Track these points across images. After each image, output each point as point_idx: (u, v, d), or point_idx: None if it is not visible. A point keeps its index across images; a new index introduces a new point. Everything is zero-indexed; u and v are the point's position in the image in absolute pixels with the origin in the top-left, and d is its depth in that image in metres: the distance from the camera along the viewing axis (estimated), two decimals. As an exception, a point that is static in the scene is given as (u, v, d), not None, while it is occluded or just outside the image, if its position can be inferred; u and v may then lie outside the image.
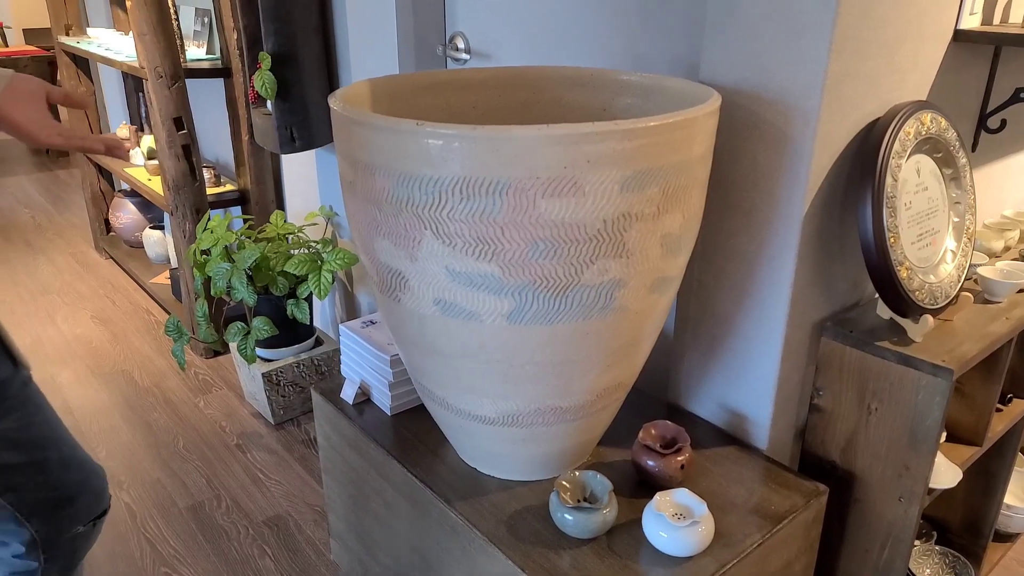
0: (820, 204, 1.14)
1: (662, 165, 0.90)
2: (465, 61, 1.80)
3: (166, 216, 3.03)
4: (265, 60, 1.96)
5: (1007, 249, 1.47)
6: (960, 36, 1.24)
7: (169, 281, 3.02)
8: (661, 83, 1.18)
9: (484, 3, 1.70)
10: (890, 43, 1.12)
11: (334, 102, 0.98)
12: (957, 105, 1.36)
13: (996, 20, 1.35)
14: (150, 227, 3.22)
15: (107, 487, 1.15)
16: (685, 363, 1.35)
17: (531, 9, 1.57)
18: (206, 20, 2.68)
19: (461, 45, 1.81)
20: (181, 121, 2.34)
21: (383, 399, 1.37)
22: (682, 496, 1.04)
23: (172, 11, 2.31)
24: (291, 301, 2.08)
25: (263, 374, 2.15)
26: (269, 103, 2.07)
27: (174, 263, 2.87)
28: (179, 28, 2.38)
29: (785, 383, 1.23)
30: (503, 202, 0.86)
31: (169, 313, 2.87)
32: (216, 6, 2.41)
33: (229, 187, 2.76)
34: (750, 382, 1.25)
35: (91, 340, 2.72)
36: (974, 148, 1.45)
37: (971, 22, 1.25)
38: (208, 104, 2.93)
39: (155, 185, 2.70)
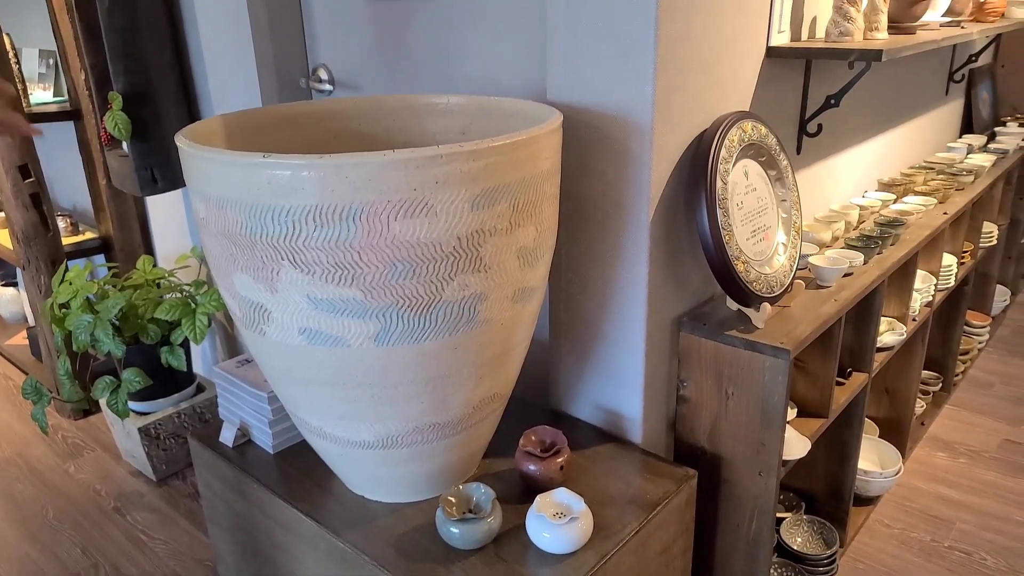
0: (664, 210, 1.23)
1: (509, 182, 0.96)
2: (330, 92, 1.81)
3: (18, 271, 2.81)
4: (116, 100, 1.89)
5: (835, 239, 1.64)
6: (772, 52, 1.38)
7: (27, 341, 2.81)
8: (515, 106, 1.24)
9: (345, 35, 1.72)
10: (709, 61, 1.23)
11: (180, 140, 0.97)
12: (779, 113, 1.51)
13: (804, 35, 1.52)
14: (1, 285, 2.99)
15: None
16: (561, 369, 1.41)
17: (392, 40, 1.61)
18: (51, 61, 2.54)
19: (324, 76, 1.82)
20: (28, 168, 2.20)
21: (264, 438, 1.34)
22: (561, 495, 1.09)
23: (12, 54, 2.18)
24: (165, 348, 1.99)
25: (140, 428, 2.04)
26: (125, 144, 1.99)
27: (31, 321, 2.67)
28: (20, 71, 2.25)
29: (652, 378, 1.31)
30: (357, 227, 0.89)
31: (28, 375, 2.66)
32: (60, 46, 2.30)
33: (89, 235, 2.61)
34: (620, 381, 1.32)
35: (-62, 414, 2.47)
36: (799, 151, 1.62)
37: (780, 39, 1.40)
38: (59, 149, 2.77)
39: (3, 239, 2.51)
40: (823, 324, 1.30)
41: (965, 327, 2.53)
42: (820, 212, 1.76)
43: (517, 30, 1.38)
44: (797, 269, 1.38)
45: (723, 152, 1.20)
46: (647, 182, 1.19)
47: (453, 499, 1.09)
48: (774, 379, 1.20)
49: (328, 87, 1.81)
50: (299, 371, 1.02)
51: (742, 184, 1.28)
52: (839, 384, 1.53)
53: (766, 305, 1.26)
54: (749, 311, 1.28)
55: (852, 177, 1.93)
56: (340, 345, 0.96)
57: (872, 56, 1.28)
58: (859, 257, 1.49)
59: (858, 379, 1.57)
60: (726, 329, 1.27)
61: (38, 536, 1.91)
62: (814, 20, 1.53)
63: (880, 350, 1.66)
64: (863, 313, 1.54)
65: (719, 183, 1.19)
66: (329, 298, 0.93)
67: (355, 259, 0.90)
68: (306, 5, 1.78)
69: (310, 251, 0.90)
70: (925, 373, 2.28)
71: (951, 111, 2.57)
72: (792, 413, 1.45)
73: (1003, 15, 2.14)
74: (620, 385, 1.32)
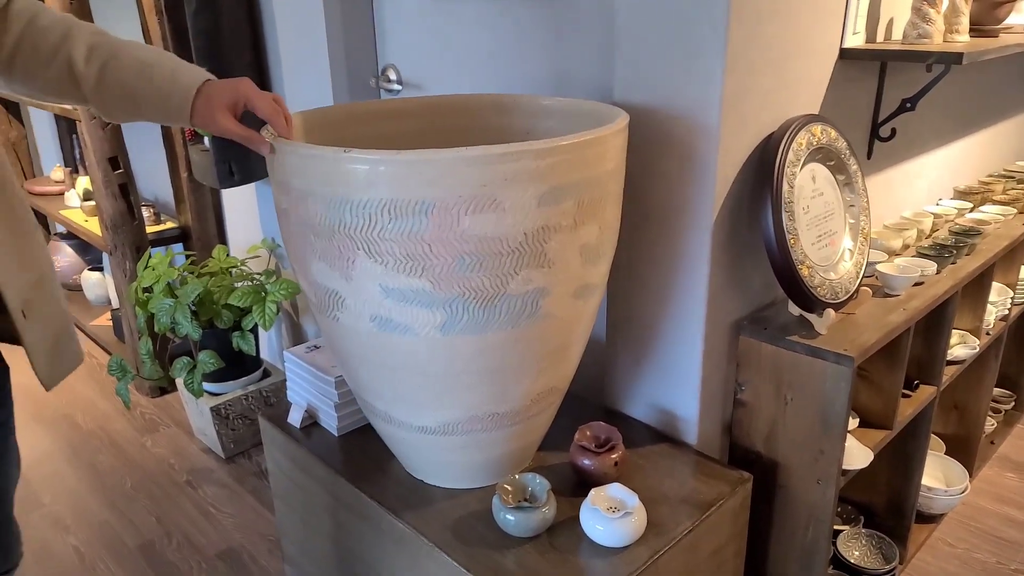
0: (728, 212, 1.23)
1: (575, 181, 0.98)
2: (398, 91, 1.87)
3: (105, 257, 2.99)
4: (201, 97, 1.99)
5: (906, 247, 1.60)
6: (845, 54, 1.36)
7: (111, 323, 2.98)
8: (579, 106, 1.26)
9: (414, 36, 1.78)
10: (779, 61, 1.23)
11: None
12: (850, 116, 1.49)
13: (881, 37, 1.49)
14: (88, 269, 3.18)
15: (19, 545, 1.08)
16: (617, 368, 1.42)
17: (460, 40, 1.66)
18: (141, 60, 2.69)
19: (393, 76, 1.87)
20: (117, 161, 2.34)
21: (330, 421, 1.40)
22: (615, 490, 1.10)
23: (105, 52, 2.32)
24: (236, 334, 2.10)
25: (211, 408, 2.15)
26: (206, 139, 2.09)
27: (115, 303, 2.83)
28: (113, 69, 2.39)
29: (709, 381, 1.31)
30: (429, 221, 0.93)
31: (111, 355, 2.83)
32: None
33: (170, 224, 2.76)
34: (676, 382, 1.33)
35: (30, 387, 2.65)
36: (869, 156, 1.59)
37: (855, 41, 1.38)
38: (145, 143, 2.93)
39: (92, 226, 2.68)
40: (889, 333, 1.28)
41: (1044, 344, 2.41)
42: (891, 219, 1.72)
43: (584, 30, 1.40)
44: (864, 276, 1.36)
45: (790, 155, 1.20)
46: (712, 184, 1.19)
47: (509, 487, 1.12)
48: (836, 386, 1.19)
49: (397, 87, 1.87)
50: (369, 356, 1.07)
51: (809, 188, 1.27)
52: (905, 396, 1.49)
53: (829, 311, 1.25)
54: (812, 317, 1.26)
55: (926, 184, 1.88)
56: (408, 333, 1.01)
57: (952, 59, 1.25)
58: (931, 266, 1.46)
59: (925, 392, 1.53)
60: (788, 334, 1.26)
61: (116, 504, 2.04)
62: (891, 21, 1.50)
63: (950, 363, 1.61)
64: (933, 324, 1.50)
65: (785, 186, 1.19)
66: (400, 287, 0.97)
67: (425, 251, 0.94)
68: (378, 8, 1.85)
69: (384, 242, 0.94)
70: (997, 391, 2.19)
71: (1037, 118, 2.46)
72: (854, 423, 1.42)
73: (1097, 18, 2.04)
74: (676, 386, 1.33)
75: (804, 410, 1.25)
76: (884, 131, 1.55)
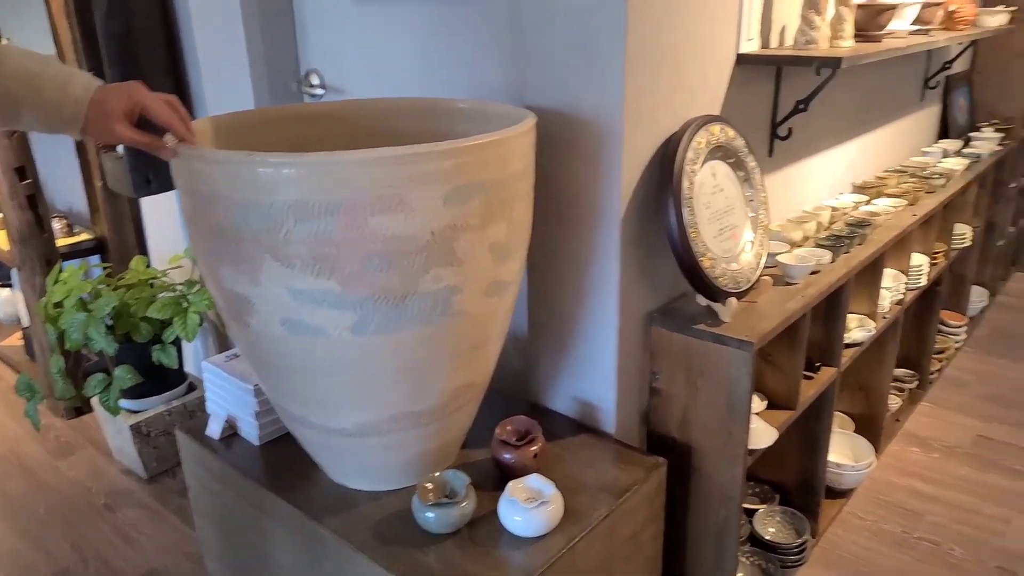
0: (635, 209, 1.29)
1: (481, 181, 1.01)
2: (321, 96, 1.86)
3: (13, 272, 2.85)
4: (109, 105, 1.93)
5: (806, 239, 1.70)
6: (741, 59, 1.44)
7: (22, 342, 2.84)
8: (493, 109, 1.29)
9: (336, 41, 1.78)
10: (678, 67, 1.29)
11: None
12: (751, 117, 1.57)
13: (775, 43, 1.58)
14: (-4, 287, 3.02)
15: None
16: (539, 363, 1.46)
17: (382, 45, 1.67)
18: (46, 68, 2.59)
19: (316, 81, 1.87)
20: (24, 170, 2.25)
21: (250, 430, 1.38)
22: (533, 481, 1.13)
23: (5, 60, 2.23)
24: (157, 347, 2.04)
25: (131, 426, 2.08)
26: (120, 146, 2.03)
27: (25, 321, 2.70)
28: (14, 77, 2.29)
29: (625, 372, 1.36)
30: (336, 222, 0.94)
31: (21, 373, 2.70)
32: (59, 51, 2.34)
33: (84, 236, 2.66)
34: (595, 374, 1.37)
35: (-68, 413, 2.51)
36: (771, 154, 1.67)
37: (749, 47, 1.46)
38: (56, 151, 2.81)
39: (-2, 240, 2.55)
40: (788, 319, 1.36)
41: (941, 327, 2.59)
42: (793, 213, 1.82)
43: (501, 36, 1.43)
44: (765, 266, 1.43)
45: (690, 154, 1.26)
46: (618, 183, 1.24)
47: (430, 485, 1.14)
48: (739, 371, 1.26)
49: (319, 91, 1.86)
50: (282, 361, 1.07)
51: (709, 184, 1.33)
52: (808, 378, 1.58)
53: (732, 300, 1.31)
54: (716, 306, 1.33)
55: (826, 179, 1.99)
56: (320, 335, 1.01)
57: (834, 63, 1.34)
58: (827, 255, 1.55)
59: (827, 373, 1.62)
60: (695, 323, 1.32)
61: (28, 531, 1.95)
62: (784, 28, 1.59)
63: (849, 346, 1.72)
64: (830, 309, 1.60)
65: (685, 183, 1.25)
66: (309, 290, 0.98)
67: (334, 253, 0.95)
68: (298, 11, 1.84)
69: (291, 245, 0.95)
70: (901, 371, 2.34)
71: (927, 116, 2.64)
72: (762, 405, 1.50)
73: (973, 23, 2.21)
74: (594, 378, 1.37)
75: (712, 395, 1.31)
76: (782, 131, 1.64)
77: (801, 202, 1.87)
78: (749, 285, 1.36)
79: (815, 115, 1.82)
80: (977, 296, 2.85)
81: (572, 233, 1.32)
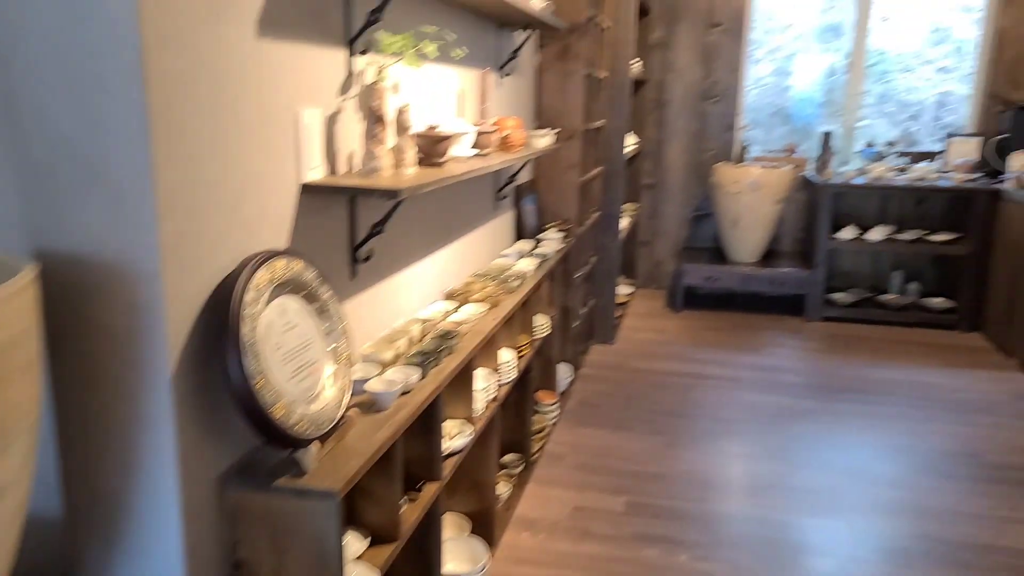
0: (192, 361, 1.13)
1: (-69, 369, 0.75)
2: None
3: None
4: None
5: (399, 356, 1.72)
6: (307, 189, 1.41)
7: None
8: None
9: None
10: (231, 202, 1.19)
11: None
12: (328, 243, 1.54)
13: (344, 168, 1.59)
14: None
15: None
16: (82, 562, 1.17)
17: None
18: None
19: None
20: None
21: None
22: None
23: None
24: None
25: None
26: None
27: None
28: None
29: (196, 551, 1.16)
30: None
31: None
32: None
33: None
34: (157, 562, 1.14)
35: None
36: (354, 276, 1.67)
37: (314, 175, 1.44)
38: None
39: None
40: (378, 452, 1.32)
41: (537, 407, 2.89)
42: (386, 330, 1.84)
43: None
44: (353, 397, 1.38)
45: (249, 295, 1.16)
46: (162, 334, 1.07)
47: None
48: (325, 524, 1.16)
49: None
50: None
51: (279, 323, 1.24)
52: (411, 500, 1.56)
53: (313, 446, 1.23)
54: (298, 454, 1.23)
55: (418, 290, 2.08)
56: None
57: (391, 195, 1.39)
58: (416, 374, 1.57)
59: (431, 489, 1.63)
60: (276, 478, 1.20)
61: None
62: (352, 154, 1.62)
63: (451, 455, 1.77)
64: (426, 425, 1.62)
65: (246, 328, 1.14)
66: None
67: None
68: None
69: None
70: (509, 456, 2.52)
71: (504, 221, 3.00)
72: (365, 543, 1.42)
73: (525, 145, 2.59)
74: (156, 567, 1.14)
75: (301, 556, 1.18)
76: (363, 253, 1.66)
77: (394, 317, 1.90)
78: (333, 424, 1.29)
79: (398, 232, 1.89)
80: (564, 372, 3.28)
81: (112, 398, 1.10)
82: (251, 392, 1.12)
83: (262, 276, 1.20)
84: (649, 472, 2.62)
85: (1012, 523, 2.29)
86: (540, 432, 2.79)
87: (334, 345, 1.38)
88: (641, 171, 4.90)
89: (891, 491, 2.48)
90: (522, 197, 3.15)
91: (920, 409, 3.13)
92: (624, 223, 4.11)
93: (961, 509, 2.36)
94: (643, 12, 4.36)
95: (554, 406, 2.97)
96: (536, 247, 2.99)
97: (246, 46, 1.22)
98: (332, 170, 1.54)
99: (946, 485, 2.51)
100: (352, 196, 1.63)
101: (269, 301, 1.22)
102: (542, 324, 2.72)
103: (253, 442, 1.30)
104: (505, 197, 2.92)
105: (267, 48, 1.27)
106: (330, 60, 1.49)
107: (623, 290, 4.55)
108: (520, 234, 3.14)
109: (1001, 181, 4.00)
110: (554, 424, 2.99)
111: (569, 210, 3.42)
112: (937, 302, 4.28)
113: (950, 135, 4.33)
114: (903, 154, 4.47)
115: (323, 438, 1.27)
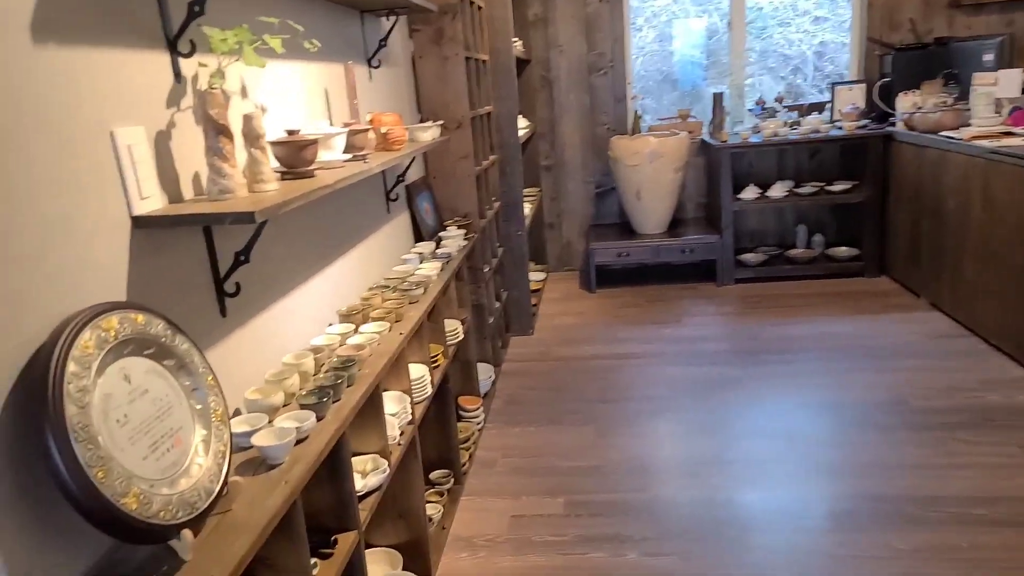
0: (8, 458, 0.90)
1: None
2: None
3: None
4: None
5: (291, 396, 1.51)
6: (140, 223, 1.18)
7: None
8: None
9: None
10: (29, 253, 0.96)
11: None
12: (184, 283, 1.32)
13: (189, 194, 1.36)
14: None
15: None
16: None
17: None
18: None
19: None
20: None
21: None
22: None
23: None
24: None
25: None
26: None
27: None
28: None
29: None
30: None
31: None
32: None
33: None
34: None
35: None
36: (224, 314, 1.45)
37: (148, 207, 1.21)
38: None
39: None
40: (272, 520, 1.12)
41: (461, 414, 2.73)
42: (274, 367, 1.62)
43: None
44: (237, 457, 1.18)
45: (72, 367, 0.93)
46: (-44, 436, 0.84)
47: None
48: (211, 628, 0.96)
49: None
50: None
51: (122, 393, 1.02)
52: (326, 558, 1.37)
53: (186, 532, 1.02)
54: (172, 544, 1.02)
55: (309, 314, 1.86)
56: None
57: (246, 218, 1.18)
58: (310, 417, 1.38)
59: (348, 540, 1.44)
60: (149, 574, 0.98)
61: None
62: (196, 175, 1.39)
63: (368, 494, 1.58)
64: (333, 472, 1.43)
65: (72, 409, 0.91)
66: None
67: None
68: None
69: None
70: (437, 473, 2.35)
71: (400, 224, 2.79)
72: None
73: (407, 141, 2.39)
74: None
75: (188, 668, 0.98)
76: (230, 287, 1.44)
77: (281, 351, 1.68)
78: (213, 497, 1.09)
79: (272, 256, 1.67)
80: (485, 372, 3.12)
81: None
82: (90, 486, 0.90)
83: (87, 340, 0.98)
84: (584, 466, 2.51)
85: (952, 469, 2.28)
86: (467, 441, 2.63)
87: (202, 404, 1.16)
88: (538, 153, 4.78)
89: (828, 451, 2.46)
90: (415, 196, 2.96)
91: (841, 361, 3.16)
92: (528, 209, 3.98)
93: (900, 462, 2.35)
94: (518, -11, 4.22)
95: (478, 410, 2.82)
96: (438, 247, 2.81)
97: (21, 59, 0.98)
98: (174, 197, 1.31)
99: (880, 438, 2.50)
100: (206, 225, 1.40)
101: (103, 369, 1.00)
102: (454, 329, 2.55)
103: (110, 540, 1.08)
104: (396, 199, 2.72)
105: (52, 58, 1.04)
106: (148, 65, 1.26)
107: (535, 277, 4.44)
108: (419, 236, 2.95)
109: (891, 124, 4.09)
110: (481, 429, 2.83)
111: (468, 203, 3.26)
112: (843, 251, 4.38)
113: (834, 84, 4.41)
114: (792, 108, 4.53)
115: (200, 518, 1.06)
